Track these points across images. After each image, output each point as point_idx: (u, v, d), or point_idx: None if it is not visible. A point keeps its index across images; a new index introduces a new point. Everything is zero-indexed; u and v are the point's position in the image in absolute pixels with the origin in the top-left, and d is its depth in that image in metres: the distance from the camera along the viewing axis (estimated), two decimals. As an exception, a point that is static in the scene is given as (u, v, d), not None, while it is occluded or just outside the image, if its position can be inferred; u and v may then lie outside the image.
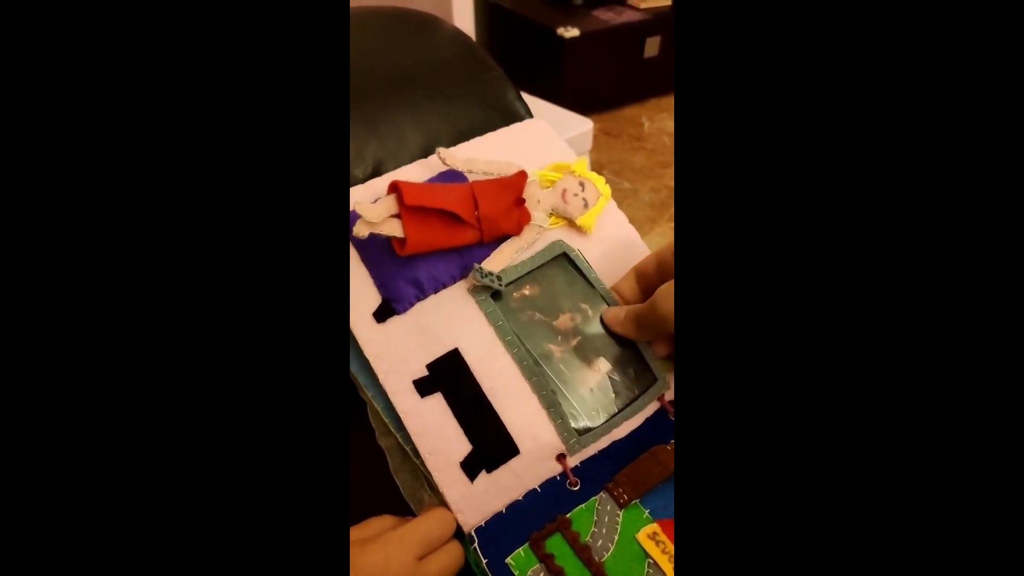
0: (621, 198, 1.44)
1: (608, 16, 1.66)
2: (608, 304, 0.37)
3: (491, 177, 0.42)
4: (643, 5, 1.71)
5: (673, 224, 1.33)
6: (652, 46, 1.69)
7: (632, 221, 0.45)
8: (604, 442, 0.33)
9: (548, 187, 0.42)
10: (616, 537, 0.29)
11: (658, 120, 1.77)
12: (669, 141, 1.67)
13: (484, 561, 0.29)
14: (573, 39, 1.55)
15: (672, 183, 1.48)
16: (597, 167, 1.63)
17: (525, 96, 1.04)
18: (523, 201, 0.40)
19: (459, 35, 0.62)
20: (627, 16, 1.66)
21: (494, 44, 1.82)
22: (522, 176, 0.41)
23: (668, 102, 1.85)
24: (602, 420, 0.33)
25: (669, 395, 0.35)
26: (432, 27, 0.62)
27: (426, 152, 0.49)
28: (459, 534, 0.30)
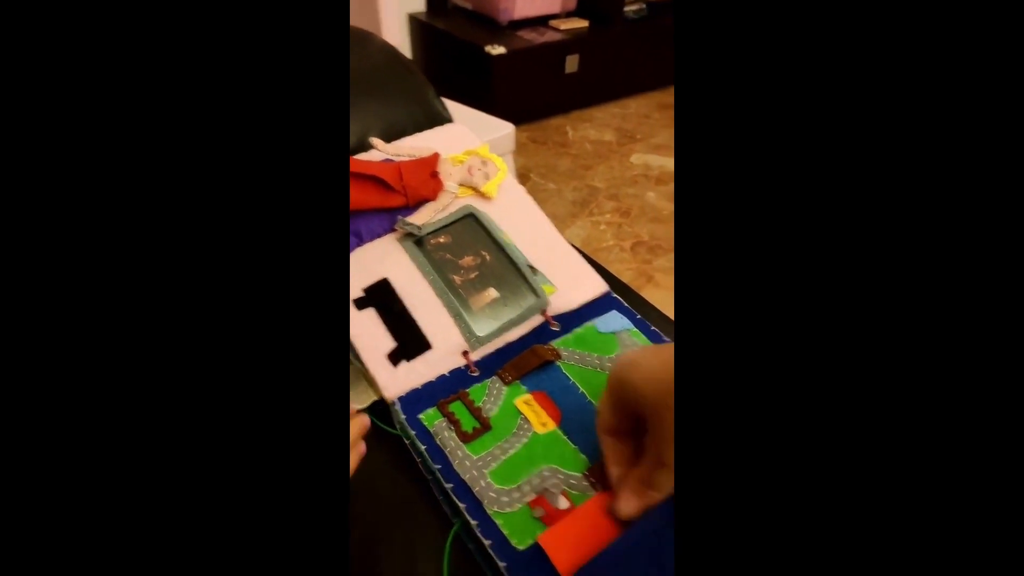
0: (547, 197, 1.58)
1: (532, 36, 1.82)
2: (504, 249, 0.49)
3: (413, 158, 0.54)
4: (563, 27, 1.88)
5: (591, 218, 1.48)
6: (572, 63, 1.86)
7: (555, 216, 0.58)
8: (499, 343, 0.45)
9: (458, 165, 0.54)
10: (500, 403, 0.41)
11: (580, 129, 1.94)
12: (590, 147, 1.84)
13: (403, 417, 0.40)
14: (500, 56, 1.69)
15: (591, 183, 1.65)
16: (525, 171, 1.78)
17: (456, 104, 1.16)
18: (437, 174, 0.52)
19: (387, 46, 0.74)
20: (549, 36, 1.83)
21: (428, 61, 1.94)
22: (436, 156, 0.53)
23: (590, 113, 2.03)
24: (494, 328, 0.45)
25: (550, 311, 0.47)
26: (365, 40, 0.74)
27: (360, 141, 0.60)
28: (384, 407, 0.41)
